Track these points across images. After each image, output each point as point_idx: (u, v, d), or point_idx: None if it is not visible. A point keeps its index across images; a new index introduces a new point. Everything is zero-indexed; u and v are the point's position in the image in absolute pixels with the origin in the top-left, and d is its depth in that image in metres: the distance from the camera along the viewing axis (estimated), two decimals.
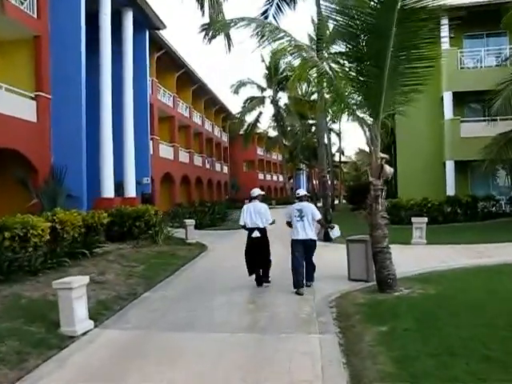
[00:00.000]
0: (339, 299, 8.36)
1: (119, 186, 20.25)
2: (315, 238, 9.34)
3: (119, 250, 14.25)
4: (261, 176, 63.52)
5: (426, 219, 15.46)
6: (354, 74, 8.94)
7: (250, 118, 45.49)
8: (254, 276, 9.89)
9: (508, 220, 20.22)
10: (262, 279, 9.80)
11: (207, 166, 43.33)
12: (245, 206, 10.03)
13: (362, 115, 8.90)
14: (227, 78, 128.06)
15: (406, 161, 23.99)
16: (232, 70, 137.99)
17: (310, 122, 46.41)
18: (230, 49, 14.07)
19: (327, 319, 7.21)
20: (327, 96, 9.14)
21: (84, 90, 17.04)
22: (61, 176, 15.70)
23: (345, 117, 43.34)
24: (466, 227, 19.21)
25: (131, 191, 20.97)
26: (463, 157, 22.24)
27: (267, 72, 41.87)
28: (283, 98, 44.54)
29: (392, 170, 8.91)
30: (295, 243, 9.18)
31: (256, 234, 9.63)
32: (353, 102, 8.94)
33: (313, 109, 37.71)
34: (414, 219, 15.37)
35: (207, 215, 26.28)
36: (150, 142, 25.52)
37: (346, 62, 8.92)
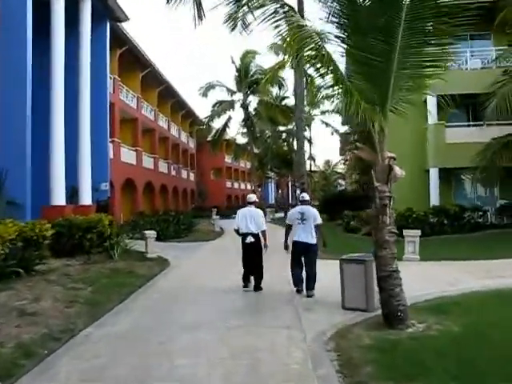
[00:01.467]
0: (338, 338, 6.46)
1: (73, 193, 17.99)
2: (315, 242, 9.12)
3: (66, 266, 12.20)
4: (229, 184, 61.67)
5: (419, 232, 13.75)
6: (353, 50, 7.13)
7: (218, 123, 43.37)
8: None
9: (498, 232, 18.81)
10: (255, 287, 9.78)
11: (173, 172, 41.04)
12: (239, 211, 10.12)
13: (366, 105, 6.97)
14: (196, 81, 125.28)
15: None
16: (201, 72, 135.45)
17: (281, 128, 44.74)
18: (201, 19, 11.78)
19: (328, 372, 5.31)
20: (324, 78, 7.11)
21: (30, 82, 14.70)
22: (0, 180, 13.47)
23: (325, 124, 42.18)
24: (456, 240, 17.67)
25: (86, 198, 18.55)
26: (448, 164, 20.86)
27: (237, 74, 39.93)
28: (253, 103, 42.62)
29: (403, 172, 7.07)
30: (295, 245, 9.16)
31: (250, 239, 9.73)
32: (355, 83, 7.07)
33: (285, 113, 36.10)
34: (406, 232, 13.52)
35: (171, 225, 24.02)
36: (110, 145, 23.19)
37: (343, 35, 7.08)
